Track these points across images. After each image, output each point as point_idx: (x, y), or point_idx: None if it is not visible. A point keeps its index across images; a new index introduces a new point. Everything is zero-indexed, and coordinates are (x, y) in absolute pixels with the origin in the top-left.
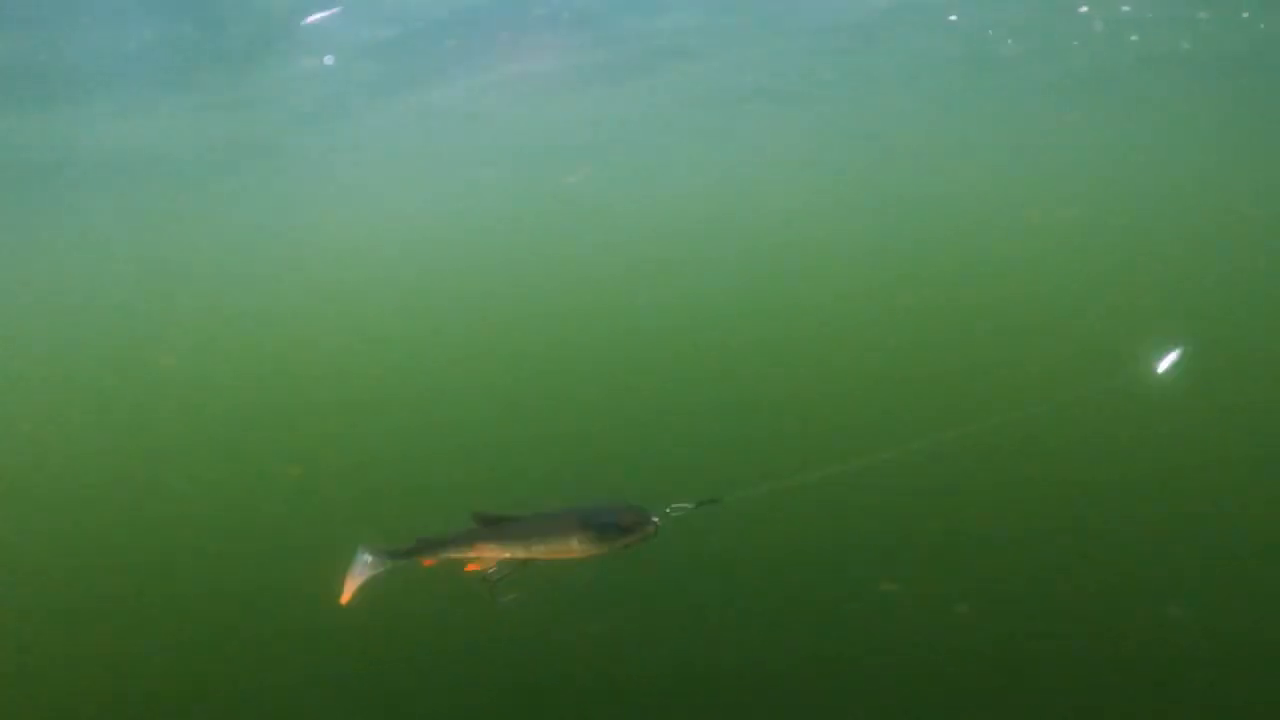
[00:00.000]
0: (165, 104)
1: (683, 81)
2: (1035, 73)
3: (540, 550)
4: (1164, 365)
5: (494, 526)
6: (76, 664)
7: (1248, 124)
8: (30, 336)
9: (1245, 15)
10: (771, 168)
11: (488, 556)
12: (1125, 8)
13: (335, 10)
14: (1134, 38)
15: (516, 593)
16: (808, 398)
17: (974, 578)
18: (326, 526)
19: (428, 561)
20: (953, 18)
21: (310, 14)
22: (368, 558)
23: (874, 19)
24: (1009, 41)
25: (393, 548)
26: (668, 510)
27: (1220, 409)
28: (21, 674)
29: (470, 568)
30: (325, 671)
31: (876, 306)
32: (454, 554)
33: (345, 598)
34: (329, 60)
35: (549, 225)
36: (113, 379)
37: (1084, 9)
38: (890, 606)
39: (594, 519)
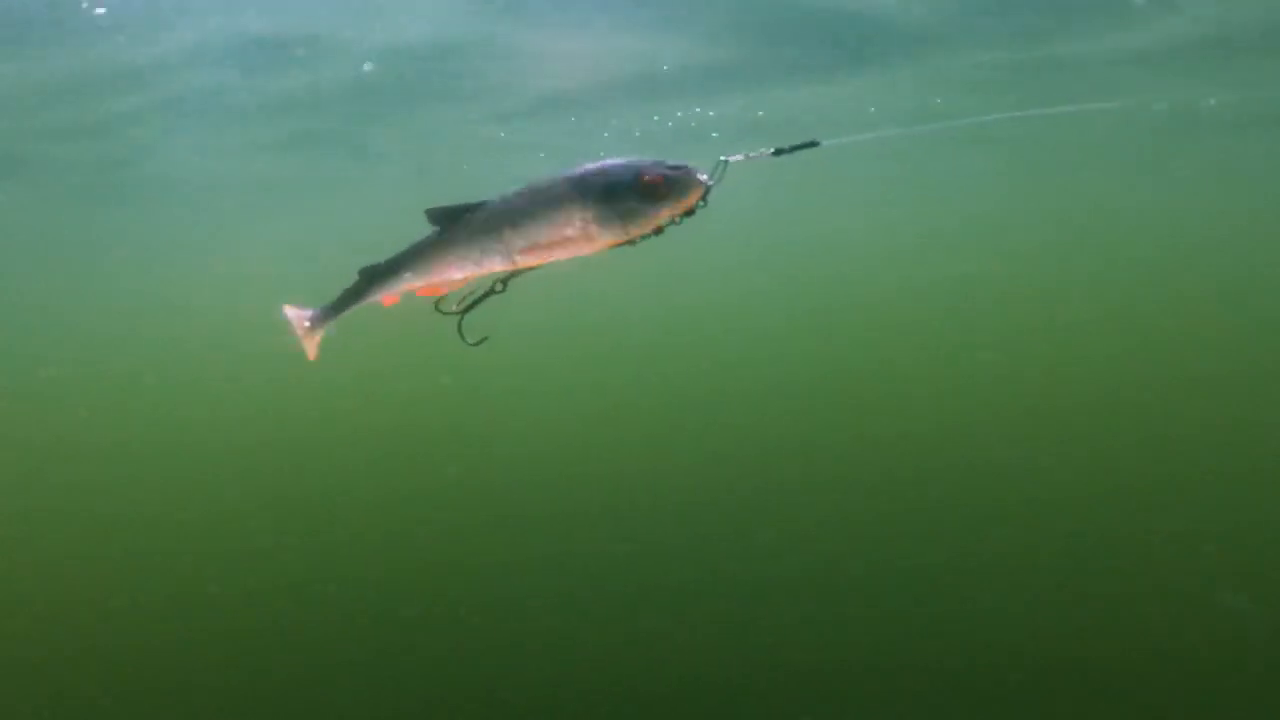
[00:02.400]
0: None
1: None
2: None
3: (526, 245)
4: None
5: (453, 224)
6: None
7: None
8: None
9: None
10: None
11: (456, 274)
12: None
13: None
14: None
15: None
16: None
17: None
18: None
19: (388, 300)
20: None
21: None
22: (306, 317)
23: None
24: None
25: (330, 302)
26: (722, 158)
27: None
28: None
29: (431, 291)
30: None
31: None
32: (412, 279)
33: (311, 355)
34: None
35: None
36: None
37: None
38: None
39: (596, 179)
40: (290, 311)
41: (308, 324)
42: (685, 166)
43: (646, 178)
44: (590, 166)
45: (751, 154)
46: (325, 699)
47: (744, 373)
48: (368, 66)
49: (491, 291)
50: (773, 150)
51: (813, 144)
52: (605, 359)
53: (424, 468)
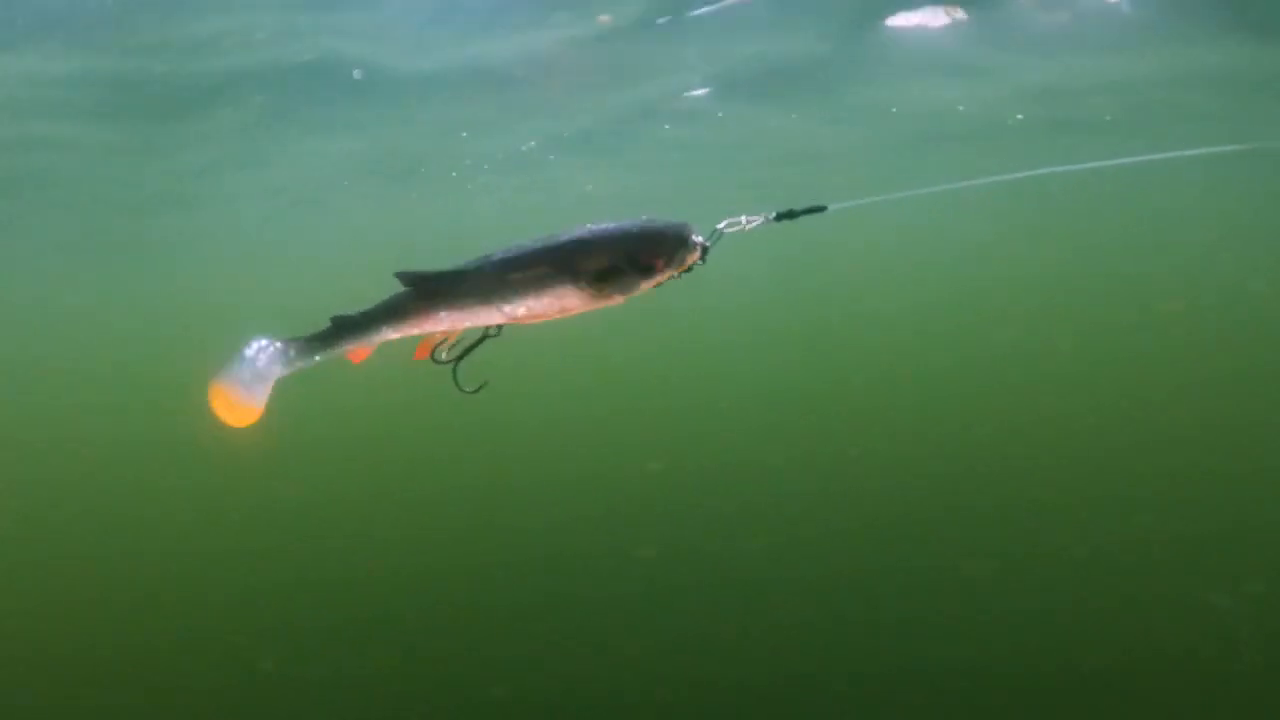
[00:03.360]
0: None
1: None
2: None
3: (516, 306)
4: None
5: (437, 285)
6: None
7: None
8: None
9: None
10: None
11: (441, 329)
12: None
13: None
14: None
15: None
16: None
17: None
18: None
19: (357, 355)
20: None
21: None
22: (260, 354)
23: None
24: None
25: (298, 337)
26: (719, 226)
27: None
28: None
29: (421, 352)
30: None
31: None
32: (389, 334)
33: (237, 408)
34: None
35: None
36: None
37: None
38: None
39: (588, 260)
40: (259, 347)
41: (262, 356)
42: (675, 227)
43: (644, 259)
44: (578, 236)
45: (752, 218)
46: (325, 699)
47: (746, 380)
48: (357, 74)
49: (485, 336)
50: (774, 215)
51: (819, 209)
52: (611, 366)
53: (426, 468)
